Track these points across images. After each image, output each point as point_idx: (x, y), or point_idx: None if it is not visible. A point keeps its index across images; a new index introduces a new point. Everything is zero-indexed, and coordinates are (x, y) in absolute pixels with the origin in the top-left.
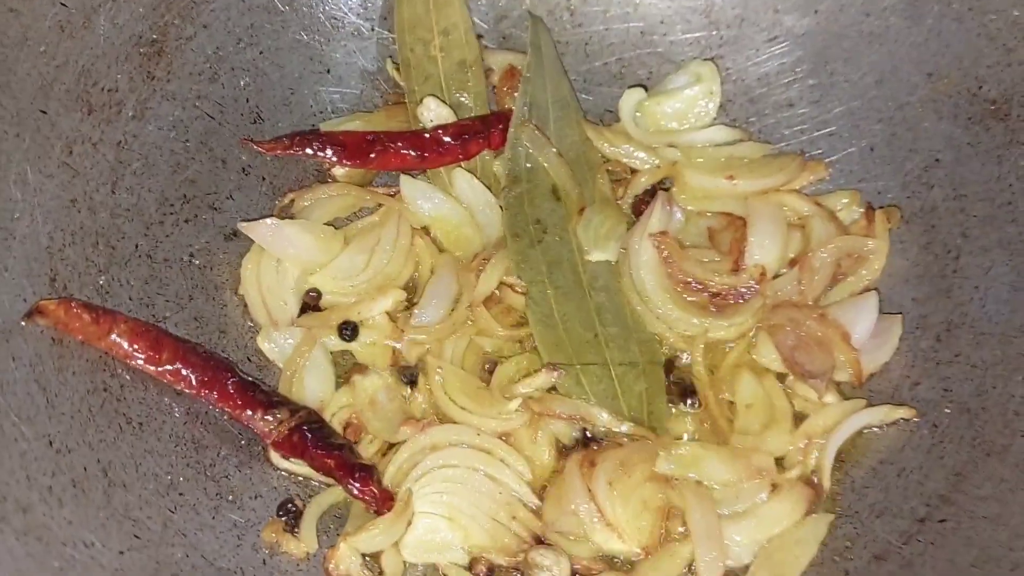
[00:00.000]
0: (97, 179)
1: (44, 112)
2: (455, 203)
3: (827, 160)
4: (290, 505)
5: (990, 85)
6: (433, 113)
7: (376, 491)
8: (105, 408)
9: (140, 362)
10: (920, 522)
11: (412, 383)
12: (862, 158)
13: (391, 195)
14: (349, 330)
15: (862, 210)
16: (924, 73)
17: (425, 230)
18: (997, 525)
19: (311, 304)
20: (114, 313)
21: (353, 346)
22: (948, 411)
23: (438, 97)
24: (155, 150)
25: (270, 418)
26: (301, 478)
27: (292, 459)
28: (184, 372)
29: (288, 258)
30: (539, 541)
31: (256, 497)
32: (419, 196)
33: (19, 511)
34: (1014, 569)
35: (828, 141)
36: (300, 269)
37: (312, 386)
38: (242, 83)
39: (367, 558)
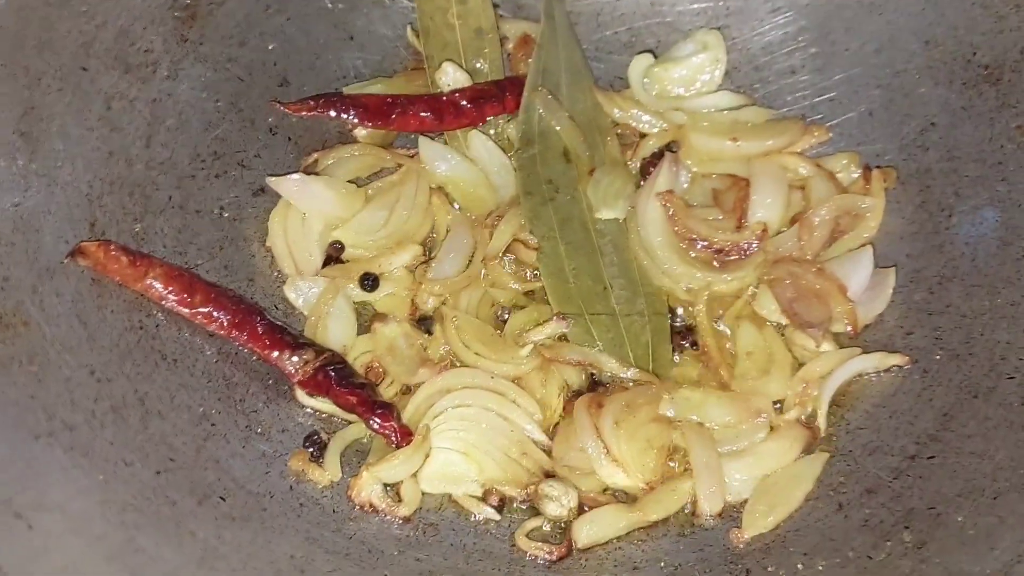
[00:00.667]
0: (133, 133)
1: (85, 69)
2: (471, 164)
3: (827, 124)
4: (315, 437)
5: (983, 52)
6: (450, 78)
7: (396, 426)
8: (141, 344)
9: (174, 304)
10: (910, 459)
11: (429, 332)
12: (861, 122)
13: (410, 156)
14: (370, 282)
15: (860, 171)
16: (921, 41)
17: (441, 189)
18: (982, 459)
19: (334, 256)
20: (150, 257)
21: (373, 297)
22: (938, 357)
23: (455, 62)
24: (188, 108)
25: (296, 359)
26: (325, 415)
27: (317, 397)
28: (216, 314)
29: (313, 212)
30: (548, 475)
31: (283, 431)
32: (436, 157)
33: (66, 429)
34: (996, 498)
35: (829, 106)
36: (324, 223)
37: (335, 332)
38: (270, 47)
39: (387, 487)
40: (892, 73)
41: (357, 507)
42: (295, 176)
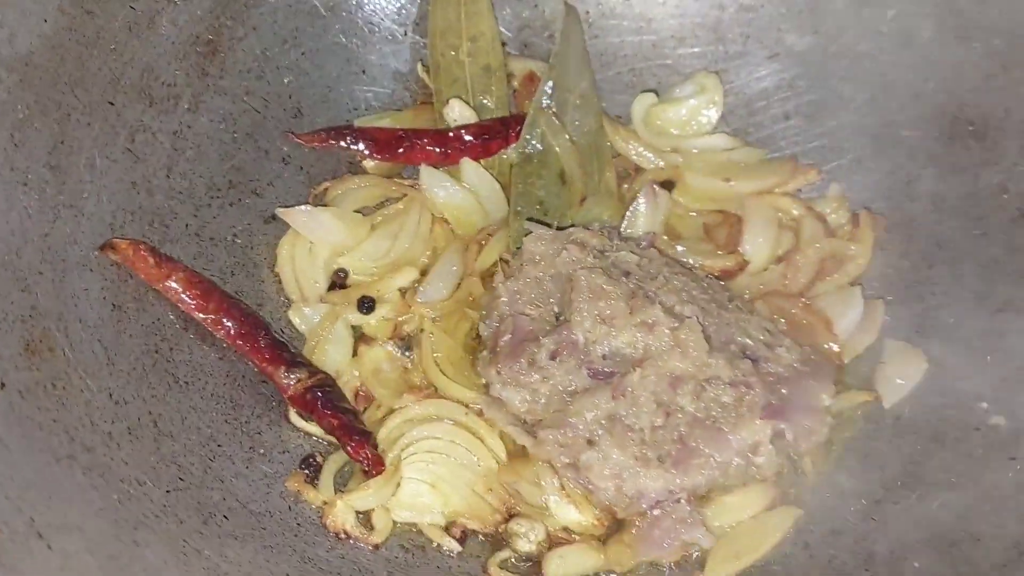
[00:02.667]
0: (155, 164)
1: (112, 104)
2: (464, 190)
3: (818, 169)
4: (311, 460)
5: (970, 108)
6: (457, 113)
7: (369, 455)
8: (156, 368)
9: (190, 307)
10: (876, 503)
11: (408, 349)
12: (851, 169)
13: (413, 186)
14: (367, 305)
15: (849, 215)
16: (911, 94)
17: (444, 219)
18: (944, 509)
19: (338, 282)
20: (174, 261)
21: (369, 320)
22: (911, 405)
23: (463, 99)
24: (206, 140)
25: (291, 375)
26: (316, 438)
27: (305, 416)
28: (226, 322)
29: (320, 241)
30: (512, 514)
31: (284, 452)
32: (435, 184)
33: (85, 451)
34: (952, 546)
35: (820, 152)
36: (330, 251)
37: (332, 355)
38: (286, 81)
39: (360, 515)
40: (882, 123)
41: (331, 534)
42: (304, 208)
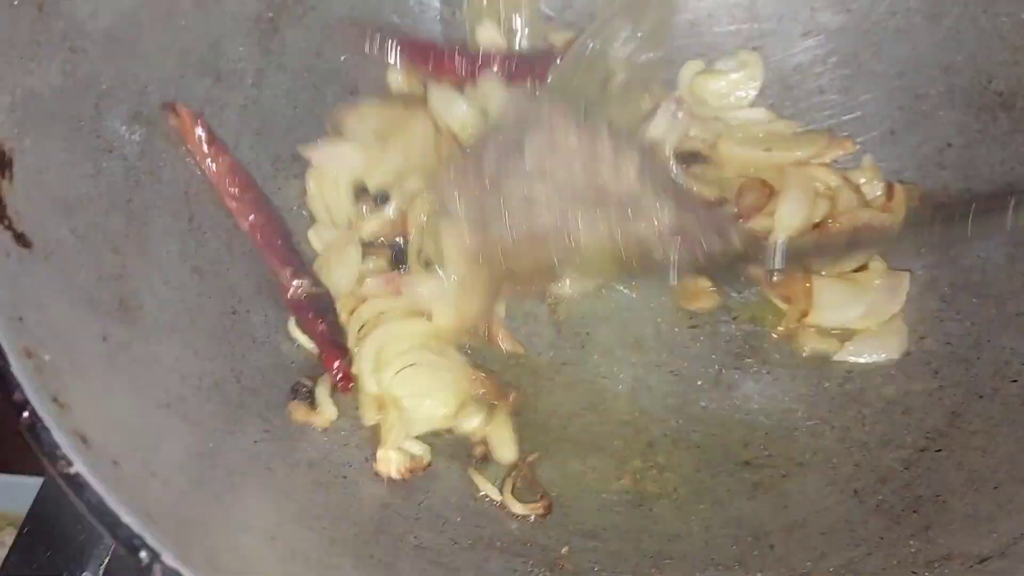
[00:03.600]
0: (224, 138)
1: (183, 77)
2: (474, 106)
3: (852, 141)
4: (301, 386)
5: (999, 80)
6: (488, 36)
7: (342, 366)
8: (235, 328)
9: (223, 191)
10: (920, 452)
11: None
12: (883, 140)
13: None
14: (383, 198)
15: (883, 184)
16: (941, 67)
17: (448, 130)
18: (984, 454)
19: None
20: (225, 147)
21: (382, 216)
22: (948, 361)
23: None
24: (270, 114)
25: (295, 279)
26: (307, 354)
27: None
28: (252, 215)
29: (343, 170)
30: None
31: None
32: (443, 101)
33: (180, 400)
34: (996, 487)
35: (853, 125)
36: (351, 177)
37: (337, 276)
38: (342, 59)
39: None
40: (914, 96)
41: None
42: (323, 144)
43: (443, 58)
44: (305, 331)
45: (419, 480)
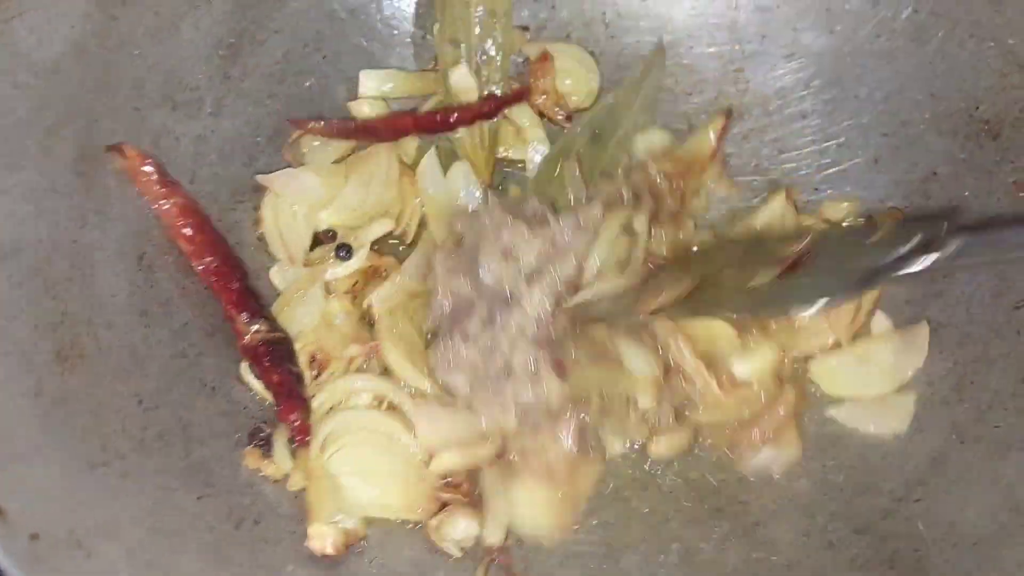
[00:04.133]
0: (179, 168)
1: (137, 109)
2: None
3: (835, 168)
4: (259, 432)
5: (985, 107)
6: (458, 79)
7: (298, 419)
8: (185, 373)
9: (178, 232)
10: (898, 500)
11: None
12: (867, 168)
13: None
14: (344, 252)
15: (862, 219)
16: (927, 93)
17: (411, 170)
18: (965, 505)
19: (325, 241)
20: (176, 185)
21: (346, 269)
22: (930, 403)
23: (469, 64)
24: (230, 143)
25: (251, 324)
26: (260, 398)
27: (254, 372)
28: (207, 257)
29: (301, 201)
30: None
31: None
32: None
33: (118, 458)
34: (975, 544)
35: (837, 151)
36: (310, 208)
37: (299, 317)
38: (307, 84)
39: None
40: (899, 122)
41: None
42: (282, 171)
43: (401, 127)
44: (261, 379)
45: (373, 536)
